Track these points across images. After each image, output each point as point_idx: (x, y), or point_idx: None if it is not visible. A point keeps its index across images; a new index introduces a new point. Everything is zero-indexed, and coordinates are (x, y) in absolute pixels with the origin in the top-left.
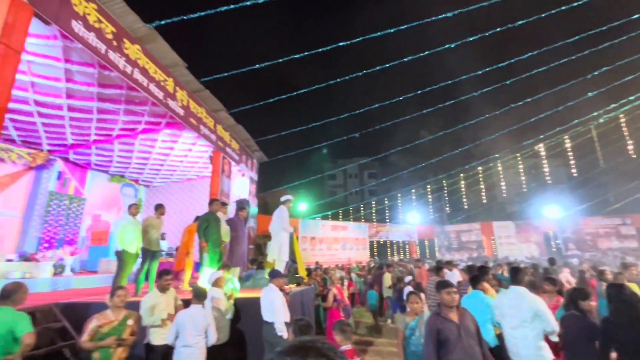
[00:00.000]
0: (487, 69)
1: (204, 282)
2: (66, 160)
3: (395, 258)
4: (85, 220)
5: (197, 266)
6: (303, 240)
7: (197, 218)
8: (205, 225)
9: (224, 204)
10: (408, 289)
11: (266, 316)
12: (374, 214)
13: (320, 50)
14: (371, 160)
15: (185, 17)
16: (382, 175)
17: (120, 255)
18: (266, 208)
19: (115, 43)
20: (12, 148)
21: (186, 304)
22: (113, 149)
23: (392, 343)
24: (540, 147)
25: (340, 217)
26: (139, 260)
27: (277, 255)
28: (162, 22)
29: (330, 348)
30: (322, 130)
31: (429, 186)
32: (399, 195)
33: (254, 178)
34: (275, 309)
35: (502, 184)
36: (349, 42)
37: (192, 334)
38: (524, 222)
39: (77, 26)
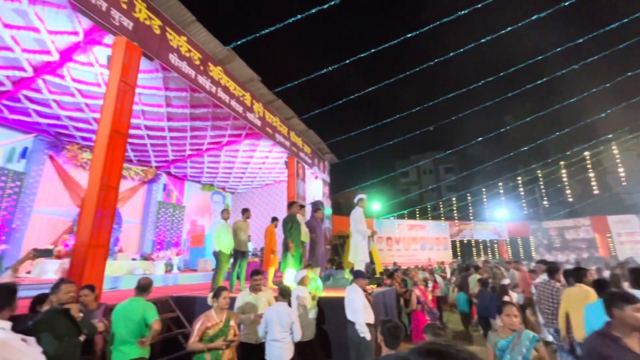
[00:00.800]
0: (592, 35)
1: (289, 281)
2: (168, 174)
3: (482, 258)
4: (185, 225)
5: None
6: (379, 241)
7: (274, 219)
8: (289, 226)
9: (302, 206)
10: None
11: (349, 315)
12: (454, 212)
13: (387, 45)
14: (447, 154)
15: (257, 35)
16: (460, 170)
17: (218, 256)
18: (339, 209)
19: (202, 68)
20: (131, 167)
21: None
22: (203, 162)
23: (484, 351)
24: None
25: (418, 215)
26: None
27: (354, 255)
28: (239, 42)
29: (468, 358)
30: (392, 126)
31: (519, 178)
32: (484, 189)
33: (327, 180)
34: (356, 309)
35: (621, 170)
36: (417, 32)
37: (278, 329)
38: None
39: (173, 58)
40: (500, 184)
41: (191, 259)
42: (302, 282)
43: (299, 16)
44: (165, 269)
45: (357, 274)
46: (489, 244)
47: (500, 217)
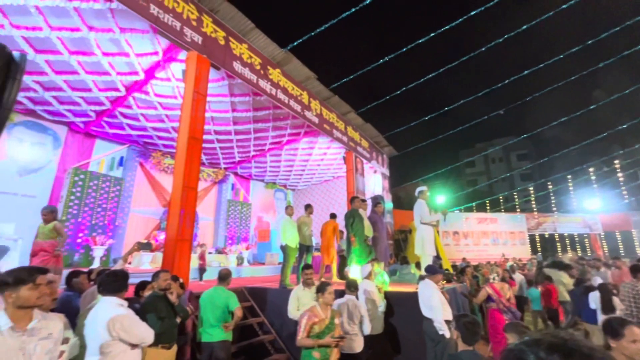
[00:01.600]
0: None
1: (354, 275)
2: (235, 174)
3: (569, 254)
4: (253, 221)
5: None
6: (445, 235)
7: (333, 215)
8: (351, 221)
9: (364, 201)
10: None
11: (425, 312)
12: (533, 203)
13: (447, 27)
14: (520, 140)
15: (312, 34)
16: (537, 156)
17: (284, 249)
18: (399, 203)
19: (262, 72)
20: (203, 169)
21: (340, 294)
22: (266, 161)
23: None
24: None
25: (488, 208)
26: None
27: (421, 250)
28: (294, 43)
29: (603, 357)
30: (454, 114)
31: (617, 162)
32: (569, 177)
33: (386, 174)
34: (434, 306)
35: None
36: (481, 8)
37: (347, 322)
38: None
39: (237, 65)
40: (592, 169)
41: (259, 253)
42: (368, 276)
43: (353, 9)
44: (237, 262)
45: (430, 270)
46: (577, 239)
47: (591, 207)
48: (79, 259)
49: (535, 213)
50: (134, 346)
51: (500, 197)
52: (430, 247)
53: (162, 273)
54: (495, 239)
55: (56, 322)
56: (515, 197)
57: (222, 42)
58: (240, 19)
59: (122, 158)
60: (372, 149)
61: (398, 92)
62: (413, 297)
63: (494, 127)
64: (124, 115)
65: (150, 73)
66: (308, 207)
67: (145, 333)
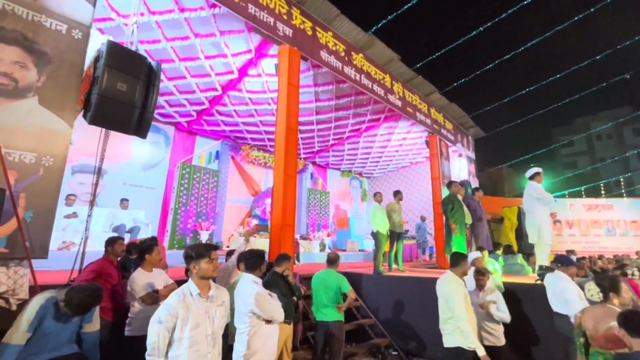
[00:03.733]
0: None
1: None
2: (314, 163)
3: None
4: (331, 209)
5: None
6: None
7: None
8: (450, 207)
9: (462, 185)
10: None
11: (559, 307)
12: None
13: None
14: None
15: (397, 13)
16: None
17: (376, 236)
18: (483, 189)
19: (346, 58)
20: None
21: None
22: (344, 150)
23: None
24: None
25: (603, 193)
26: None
27: (537, 238)
28: (379, 25)
29: None
30: (552, 86)
31: None
32: None
33: (472, 157)
34: (569, 300)
35: None
36: None
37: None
38: None
39: (323, 54)
40: None
41: (338, 240)
42: (475, 263)
43: None
44: (320, 247)
45: (563, 260)
46: None
47: None
48: (190, 242)
49: None
50: (268, 321)
51: (622, 180)
52: (548, 235)
53: (287, 257)
54: (610, 228)
55: (225, 293)
56: None
57: (310, 33)
58: (326, 7)
59: (217, 152)
60: (457, 131)
61: (491, 65)
62: (534, 290)
63: (596, 99)
64: (220, 113)
65: (243, 71)
66: (397, 194)
67: (273, 310)
